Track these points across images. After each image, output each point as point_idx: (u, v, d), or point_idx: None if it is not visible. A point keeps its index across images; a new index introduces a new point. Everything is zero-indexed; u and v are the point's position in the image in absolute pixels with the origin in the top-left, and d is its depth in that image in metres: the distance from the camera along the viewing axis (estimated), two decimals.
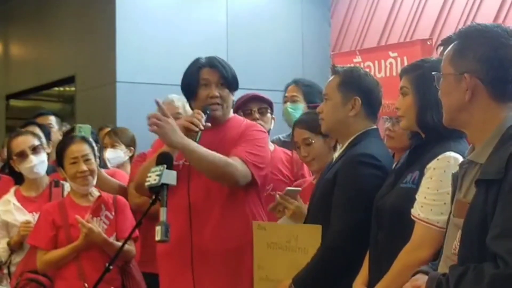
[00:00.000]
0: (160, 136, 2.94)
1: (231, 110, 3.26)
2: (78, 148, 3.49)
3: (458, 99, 1.92)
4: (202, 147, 2.96)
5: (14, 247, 3.68)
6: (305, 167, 3.60)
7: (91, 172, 3.48)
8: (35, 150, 3.77)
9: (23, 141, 3.80)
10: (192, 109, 3.26)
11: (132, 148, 4.51)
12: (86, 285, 3.34)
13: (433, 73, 2.04)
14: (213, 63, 3.14)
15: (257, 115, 3.77)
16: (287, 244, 2.85)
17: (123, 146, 4.48)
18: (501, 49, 1.87)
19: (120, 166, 4.40)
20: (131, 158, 4.49)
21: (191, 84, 3.13)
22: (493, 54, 1.87)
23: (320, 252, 2.69)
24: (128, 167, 4.40)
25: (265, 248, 2.95)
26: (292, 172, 3.65)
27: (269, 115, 3.83)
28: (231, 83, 3.15)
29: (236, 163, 2.99)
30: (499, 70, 1.87)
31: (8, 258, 3.69)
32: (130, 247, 3.43)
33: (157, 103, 2.99)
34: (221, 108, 3.12)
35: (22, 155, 3.75)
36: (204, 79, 3.12)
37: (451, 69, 1.94)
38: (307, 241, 2.76)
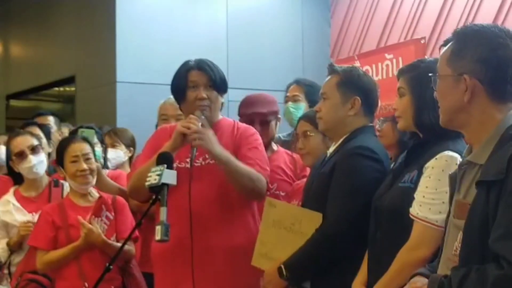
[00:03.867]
0: (204, 148, 2.96)
1: (219, 113, 3.27)
2: (79, 147, 3.49)
3: (457, 100, 1.92)
4: (237, 160, 3.02)
5: (13, 248, 3.68)
6: (308, 169, 3.61)
7: (91, 171, 3.48)
8: (34, 150, 3.77)
9: (22, 141, 3.80)
10: (181, 111, 3.27)
11: (131, 148, 4.51)
12: (86, 284, 3.34)
13: (429, 74, 2.03)
14: (201, 66, 3.16)
15: (258, 128, 3.76)
16: (292, 226, 2.87)
17: (123, 146, 4.48)
18: (499, 49, 1.87)
19: (120, 166, 4.40)
20: (130, 159, 4.49)
21: (179, 87, 3.16)
22: (491, 55, 1.87)
23: (311, 239, 2.72)
24: (128, 168, 4.40)
25: (270, 225, 2.97)
26: (294, 173, 3.65)
27: (272, 123, 3.79)
28: (219, 85, 3.16)
29: (259, 174, 3.06)
30: (497, 71, 1.87)
31: (7, 259, 3.69)
32: (130, 247, 3.43)
33: (200, 117, 3.02)
34: (209, 109, 3.13)
35: (21, 155, 3.75)
36: (192, 81, 3.14)
37: (449, 70, 1.93)
38: (309, 226, 2.77)
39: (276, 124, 3.84)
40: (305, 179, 3.45)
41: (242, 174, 3.01)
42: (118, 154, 4.41)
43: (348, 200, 2.67)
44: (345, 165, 2.71)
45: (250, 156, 3.11)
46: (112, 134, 4.54)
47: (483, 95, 1.89)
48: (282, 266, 2.75)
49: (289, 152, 3.73)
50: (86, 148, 3.51)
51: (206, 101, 3.12)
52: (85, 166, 3.46)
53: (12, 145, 3.82)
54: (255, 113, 3.77)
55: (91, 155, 3.52)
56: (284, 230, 2.90)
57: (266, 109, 3.78)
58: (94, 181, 3.53)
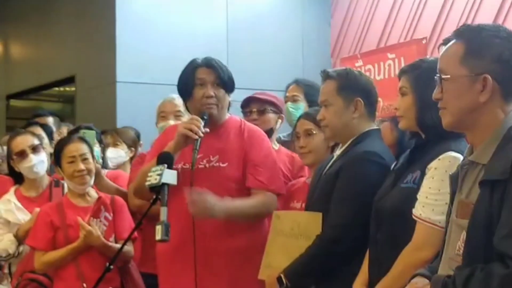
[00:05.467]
0: (202, 215, 2.97)
1: (227, 112, 3.25)
2: (75, 147, 3.48)
3: (471, 100, 1.90)
4: (240, 202, 3.04)
5: (21, 238, 3.61)
6: (306, 169, 3.59)
7: (89, 171, 3.47)
8: (35, 149, 3.76)
9: (23, 141, 3.79)
10: (187, 109, 3.25)
11: (133, 149, 4.51)
12: (84, 285, 3.33)
13: (438, 75, 1.99)
14: (209, 63, 3.14)
15: (255, 116, 3.77)
16: (291, 231, 2.87)
17: (124, 146, 4.47)
18: None
19: (121, 166, 4.40)
20: (131, 159, 4.49)
21: (187, 84, 3.13)
22: (509, 55, 1.87)
23: (313, 245, 2.71)
24: (128, 168, 4.39)
25: (275, 236, 2.98)
26: (292, 173, 3.64)
27: (270, 114, 3.82)
28: (227, 83, 3.15)
29: (266, 199, 3.10)
30: None
31: (16, 250, 3.64)
32: (129, 247, 3.42)
33: (203, 117, 3.01)
34: (216, 107, 3.11)
35: (22, 155, 3.74)
36: (200, 78, 3.11)
37: (464, 70, 1.91)
38: (309, 228, 2.78)
39: (277, 121, 3.85)
40: (301, 179, 3.44)
41: (248, 214, 3.08)
42: (119, 154, 4.40)
43: (350, 206, 2.66)
44: (351, 170, 2.70)
45: (260, 171, 3.13)
46: (114, 133, 4.54)
47: (498, 95, 1.88)
48: (282, 275, 2.74)
49: (289, 152, 3.72)
50: (83, 148, 3.50)
51: (213, 99, 3.10)
52: (82, 166, 3.44)
53: (13, 144, 3.81)
54: (251, 98, 3.79)
55: (89, 155, 3.50)
56: (285, 237, 2.90)
57: (263, 97, 3.80)
58: (92, 181, 3.51)
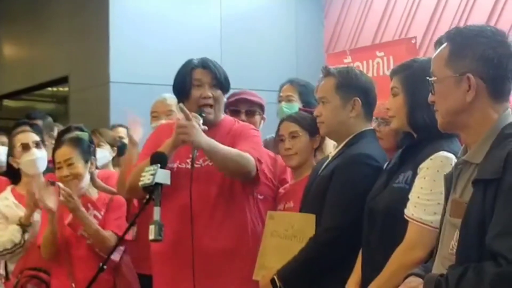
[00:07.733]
0: (188, 140, 2.90)
1: (223, 112, 3.26)
2: (62, 153, 3.48)
3: (458, 100, 1.91)
4: (222, 145, 2.96)
5: (25, 223, 3.60)
6: (288, 172, 3.57)
7: (75, 176, 3.44)
8: (37, 145, 3.82)
9: (27, 136, 3.86)
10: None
11: (115, 148, 4.51)
12: (73, 285, 3.33)
13: (427, 78, 2.00)
14: (206, 64, 3.16)
15: (244, 117, 3.76)
16: (285, 232, 2.88)
17: (108, 146, 4.48)
18: (499, 47, 1.88)
19: (105, 166, 4.40)
20: (113, 158, 4.50)
21: (184, 85, 3.14)
22: (492, 53, 1.87)
23: (306, 247, 2.72)
24: (111, 167, 4.40)
25: (269, 237, 2.98)
26: (274, 176, 3.61)
27: (257, 116, 3.82)
28: (223, 84, 3.16)
29: (247, 155, 2.99)
30: (499, 68, 1.88)
31: (21, 238, 3.60)
32: (107, 234, 3.38)
33: (181, 108, 2.97)
34: (213, 111, 3.13)
35: (26, 148, 3.78)
36: (197, 79, 3.12)
37: (449, 72, 1.92)
38: (302, 230, 2.78)
39: (260, 122, 3.84)
40: (286, 185, 3.41)
41: (227, 157, 2.95)
42: (104, 154, 4.40)
43: (343, 209, 2.66)
44: (345, 172, 2.69)
45: (244, 144, 3.07)
46: (97, 134, 4.53)
47: (485, 94, 1.89)
48: (275, 277, 2.74)
49: (271, 154, 3.70)
50: (69, 152, 3.47)
51: (211, 99, 3.11)
52: (66, 172, 3.44)
53: (16, 139, 3.85)
54: (241, 98, 3.78)
55: (75, 159, 3.46)
56: (279, 238, 2.91)
57: (253, 98, 3.80)
58: (82, 183, 3.48)
